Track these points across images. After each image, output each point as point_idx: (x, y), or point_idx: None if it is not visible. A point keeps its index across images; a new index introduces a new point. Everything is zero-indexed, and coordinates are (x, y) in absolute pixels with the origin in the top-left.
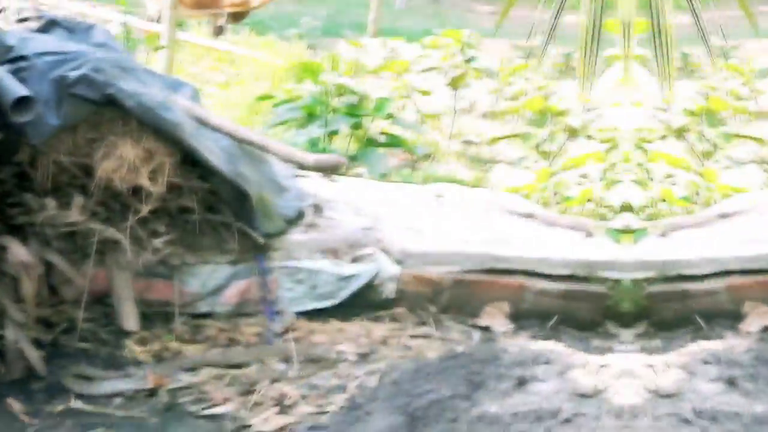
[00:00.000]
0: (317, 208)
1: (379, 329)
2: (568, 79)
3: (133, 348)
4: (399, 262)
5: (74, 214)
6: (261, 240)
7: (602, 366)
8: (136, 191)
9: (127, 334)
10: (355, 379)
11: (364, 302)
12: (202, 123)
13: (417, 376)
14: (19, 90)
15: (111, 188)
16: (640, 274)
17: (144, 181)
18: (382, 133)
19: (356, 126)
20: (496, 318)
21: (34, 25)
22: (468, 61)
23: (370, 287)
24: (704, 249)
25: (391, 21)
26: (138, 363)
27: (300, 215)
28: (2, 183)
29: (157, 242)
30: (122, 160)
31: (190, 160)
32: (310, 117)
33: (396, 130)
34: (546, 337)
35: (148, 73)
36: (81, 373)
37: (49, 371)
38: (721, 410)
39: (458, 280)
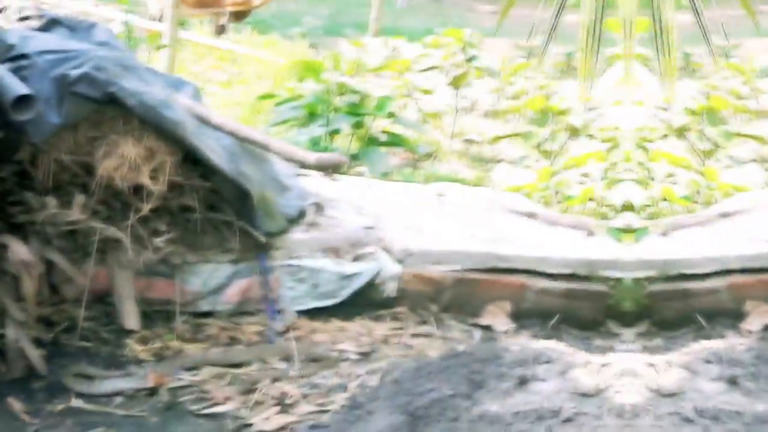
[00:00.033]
0: (319, 207)
1: (381, 328)
2: (569, 78)
3: (133, 347)
4: (400, 261)
5: (75, 213)
6: (262, 239)
7: (603, 365)
8: (138, 190)
9: (128, 333)
10: (357, 378)
11: (365, 301)
12: (204, 122)
13: (418, 375)
14: (20, 88)
15: (112, 187)
16: (641, 273)
17: (145, 180)
18: (384, 132)
19: (358, 125)
20: (497, 317)
21: (36, 23)
22: (469, 60)
23: (371, 286)
24: (705, 248)
25: (393, 20)
26: (139, 362)
27: (301, 214)
28: (3, 181)
29: (158, 241)
30: (123, 159)
31: (192, 159)
32: (312, 116)
33: (397, 129)
34: (547, 337)
35: (149, 71)
36: (81, 372)
37: (49, 370)
38: (722, 409)
39: (459, 279)
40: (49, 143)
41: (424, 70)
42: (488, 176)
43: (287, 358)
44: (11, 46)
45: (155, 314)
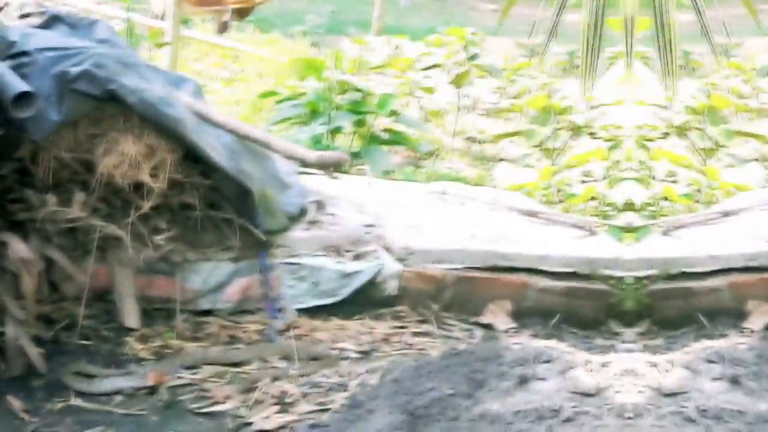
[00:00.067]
0: (320, 205)
1: (381, 327)
2: (571, 77)
3: (133, 345)
4: (401, 259)
5: (75, 211)
6: (263, 237)
7: (604, 364)
8: (138, 187)
9: (128, 331)
10: (357, 377)
11: (366, 300)
12: (205, 119)
13: (418, 374)
14: (21, 85)
15: (112, 184)
16: (642, 272)
17: (145, 178)
18: (385, 131)
19: (359, 123)
20: (498, 316)
21: (37, 20)
22: (471, 58)
23: (372, 284)
24: (707, 246)
25: (396, 18)
26: (139, 360)
27: (302, 212)
28: (3, 179)
29: (159, 239)
30: (123, 156)
31: (192, 157)
32: (314, 114)
33: (399, 128)
34: (548, 336)
35: (150, 68)
36: (81, 371)
37: (49, 368)
38: (724, 409)
39: (460, 277)
40: (50, 140)
41: (427, 69)
42: (490, 175)
43: (287, 357)
44: (12, 43)
45: (155, 312)
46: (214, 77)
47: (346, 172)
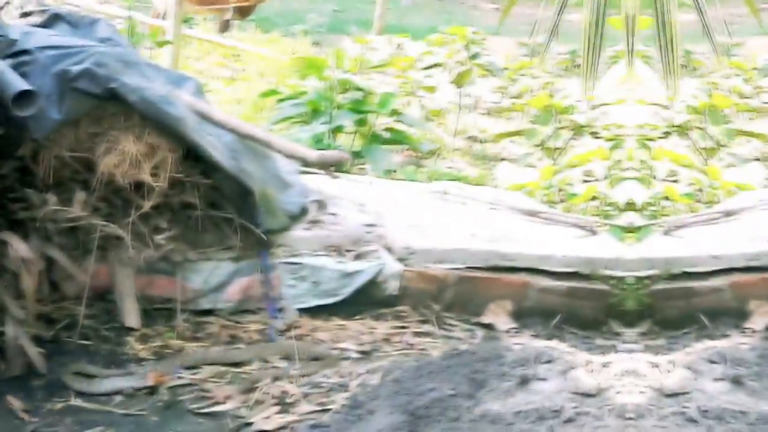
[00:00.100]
0: (321, 205)
1: (382, 327)
2: (573, 76)
3: (134, 345)
4: (402, 259)
5: (76, 210)
6: (264, 236)
7: (605, 365)
8: (138, 187)
9: (128, 331)
10: (358, 377)
11: (367, 299)
12: (205, 118)
13: (419, 375)
14: (21, 84)
15: (113, 183)
16: (643, 272)
17: (146, 177)
18: (387, 130)
19: (361, 122)
20: (499, 316)
21: (38, 19)
22: (473, 57)
23: (373, 284)
24: (708, 246)
25: (398, 18)
26: (139, 360)
27: (303, 211)
28: (4, 178)
29: (159, 238)
30: (124, 155)
31: (193, 156)
32: (315, 113)
33: (400, 127)
34: (549, 336)
35: (151, 67)
36: (81, 371)
37: (49, 368)
38: (726, 409)
39: (462, 277)
40: (50, 139)
41: (428, 68)
42: (491, 174)
43: (288, 357)
44: (13, 42)
45: (156, 312)
46: (216, 76)
47: (347, 172)
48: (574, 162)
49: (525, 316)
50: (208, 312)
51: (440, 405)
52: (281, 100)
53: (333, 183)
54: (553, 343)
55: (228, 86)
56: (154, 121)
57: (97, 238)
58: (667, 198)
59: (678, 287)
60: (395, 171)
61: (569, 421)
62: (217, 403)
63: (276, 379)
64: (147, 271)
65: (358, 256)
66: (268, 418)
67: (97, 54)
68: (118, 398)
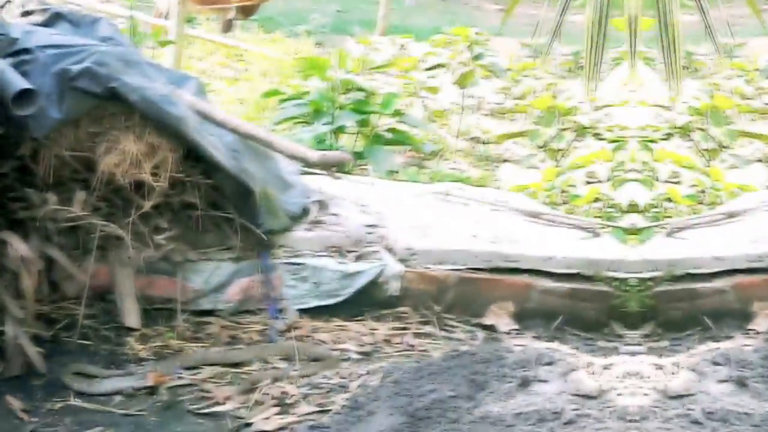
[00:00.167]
0: (322, 205)
1: (383, 328)
2: (576, 77)
3: (134, 345)
4: (403, 260)
5: (76, 209)
6: (264, 237)
7: (607, 367)
8: (139, 186)
9: (128, 331)
10: (358, 378)
11: (368, 300)
12: (207, 118)
13: (419, 376)
14: (22, 83)
15: (113, 183)
16: (646, 274)
17: (146, 176)
18: (389, 131)
19: (363, 123)
20: (500, 317)
21: (39, 18)
22: (476, 58)
23: (374, 285)
24: (711, 248)
25: (401, 18)
26: (139, 360)
27: (305, 212)
28: (4, 177)
29: (160, 238)
30: (125, 155)
31: (194, 156)
32: (317, 113)
33: (403, 128)
34: (550, 338)
35: (152, 66)
36: (81, 371)
37: (48, 368)
38: (731, 411)
39: (463, 278)
40: (50, 139)
41: (431, 69)
42: (494, 175)
43: (288, 358)
44: (14, 41)
45: (156, 312)
46: (219, 76)
47: (348, 172)
48: (576, 163)
49: (526, 317)
50: (209, 312)
51: (440, 406)
52: (284, 101)
53: (334, 183)
54: (555, 344)
55: (231, 86)
56: (155, 121)
57: (97, 237)
58: (669, 200)
59: (681, 289)
60: (397, 172)
61: (570, 423)
62: (217, 404)
63: (276, 379)
64: (147, 271)
65: (360, 257)
66: (267, 418)
67: (97, 53)
68: (118, 398)
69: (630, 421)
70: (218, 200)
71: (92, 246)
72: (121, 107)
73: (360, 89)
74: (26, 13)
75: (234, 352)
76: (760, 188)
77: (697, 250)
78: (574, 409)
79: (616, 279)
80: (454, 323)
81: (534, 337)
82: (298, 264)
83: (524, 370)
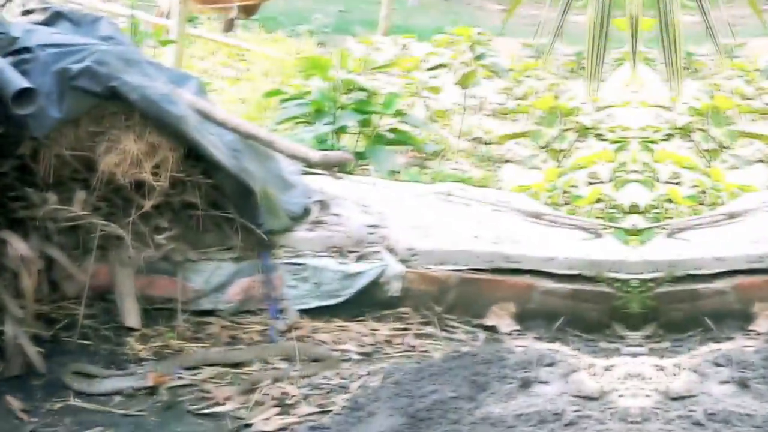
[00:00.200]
0: (323, 205)
1: (384, 328)
2: (578, 78)
3: (134, 345)
4: (405, 260)
5: (76, 209)
6: (265, 237)
7: (608, 368)
8: (139, 186)
9: (128, 331)
10: (358, 378)
11: (369, 301)
12: (207, 117)
13: (420, 377)
14: (21, 82)
15: (113, 183)
16: (647, 275)
17: (147, 176)
18: (391, 131)
19: (365, 123)
20: (501, 318)
21: (39, 17)
22: (478, 58)
23: (375, 285)
24: (712, 249)
25: (404, 18)
26: (139, 360)
27: (306, 212)
28: (3, 176)
29: (160, 238)
30: (125, 154)
31: (194, 155)
32: (318, 113)
33: (405, 128)
34: (552, 339)
35: (153, 66)
36: (81, 371)
37: (48, 368)
38: (733, 412)
39: (464, 279)
40: (50, 138)
41: (433, 69)
42: (495, 176)
43: (289, 358)
44: (14, 39)
45: (156, 312)
46: (220, 76)
47: (350, 172)
48: (578, 164)
49: (528, 318)
50: (209, 312)
51: (441, 407)
52: (285, 100)
53: (336, 183)
54: (556, 345)
55: (232, 86)
56: (155, 120)
57: (97, 237)
58: (670, 200)
59: (682, 290)
60: (399, 172)
61: (571, 424)
62: (217, 404)
63: (276, 380)
64: (147, 271)
65: (361, 258)
66: (267, 419)
67: (98, 52)
68: (118, 398)
69: (631, 422)
70: (219, 200)
71: (92, 246)
72: (122, 106)
73: (362, 89)
74: (27, 12)
75: (234, 352)
76: (761, 189)
77: (698, 250)
78: (575, 411)
79: (617, 280)
80: (455, 324)
81: (535, 338)
82: (299, 264)
83: (525, 371)
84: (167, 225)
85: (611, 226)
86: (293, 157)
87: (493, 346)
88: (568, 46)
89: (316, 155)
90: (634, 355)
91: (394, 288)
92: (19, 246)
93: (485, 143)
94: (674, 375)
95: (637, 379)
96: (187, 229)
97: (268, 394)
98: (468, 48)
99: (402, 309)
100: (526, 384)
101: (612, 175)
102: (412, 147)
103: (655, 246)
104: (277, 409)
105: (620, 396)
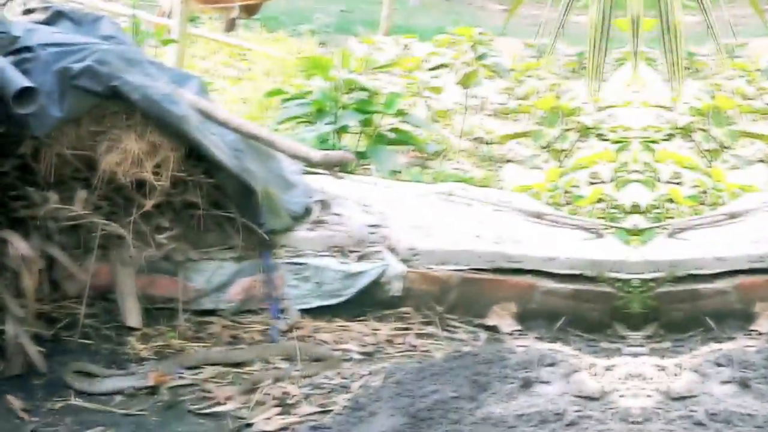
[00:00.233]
0: (324, 205)
1: (385, 328)
2: (580, 78)
3: (135, 345)
4: (406, 260)
5: (77, 208)
6: (266, 236)
7: (609, 368)
8: (140, 185)
9: (129, 330)
10: (359, 378)
11: (370, 300)
12: (208, 117)
13: (421, 377)
14: (22, 81)
15: (114, 182)
16: (648, 275)
17: (148, 175)
18: (392, 130)
19: (366, 123)
20: (503, 318)
21: (41, 16)
22: (479, 58)
23: (376, 285)
24: (713, 248)
25: (405, 18)
26: (140, 360)
27: (307, 212)
28: (4, 176)
29: (161, 237)
30: (126, 154)
31: (196, 155)
32: (320, 113)
33: (406, 128)
34: (553, 339)
35: (154, 65)
36: (82, 370)
37: (49, 367)
38: (734, 412)
39: (466, 278)
40: (51, 137)
41: (434, 69)
42: (497, 176)
43: (290, 358)
44: (15, 39)
45: (157, 312)
46: (222, 75)
47: (351, 172)
48: (580, 164)
49: (529, 318)
50: (210, 312)
51: (442, 407)
52: (286, 100)
53: (337, 183)
54: (557, 345)
55: (234, 85)
56: (157, 120)
57: (98, 236)
58: (671, 200)
59: (683, 290)
60: (400, 172)
61: (572, 424)
62: (218, 404)
63: (277, 380)
64: (148, 271)
65: (362, 257)
66: (269, 419)
67: (99, 52)
68: (119, 398)
69: (632, 422)
70: (220, 199)
71: (93, 245)
72: (123, 106)
73: (363, 89)
74: (28, 11)
75: (235, 352)
76: (762, 189)
77: (699, 250)
78: (576, 411)
79: (618, 280)
80: (457, 324)
81: (536, 338)
82: (300, 264)
83: (526, 371)
84: (168, 224)
85: (612, 226)
86: (294, 156)
87: (495, 346)
88: (570, 46)
89: (317, 155)
90: (635, 355)
91: (396, 288)
92: (20, 245)
93: (487, 143)
94: (675, 375)
95: (638, 379)
96: (188, 229)
97: (269, 394)
98: (469, 48)
99: (403, 309)
100: (527, 384)
101: (613, 175)
102: (414, 147)
103: (656, 246)
104: (278, 409)
105: (621, 396)
